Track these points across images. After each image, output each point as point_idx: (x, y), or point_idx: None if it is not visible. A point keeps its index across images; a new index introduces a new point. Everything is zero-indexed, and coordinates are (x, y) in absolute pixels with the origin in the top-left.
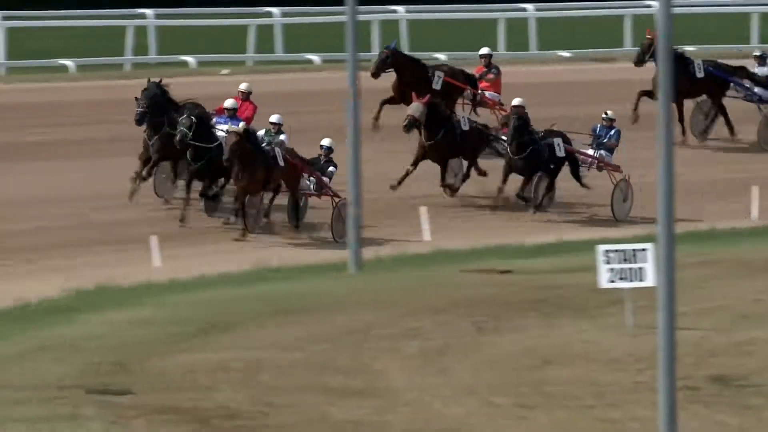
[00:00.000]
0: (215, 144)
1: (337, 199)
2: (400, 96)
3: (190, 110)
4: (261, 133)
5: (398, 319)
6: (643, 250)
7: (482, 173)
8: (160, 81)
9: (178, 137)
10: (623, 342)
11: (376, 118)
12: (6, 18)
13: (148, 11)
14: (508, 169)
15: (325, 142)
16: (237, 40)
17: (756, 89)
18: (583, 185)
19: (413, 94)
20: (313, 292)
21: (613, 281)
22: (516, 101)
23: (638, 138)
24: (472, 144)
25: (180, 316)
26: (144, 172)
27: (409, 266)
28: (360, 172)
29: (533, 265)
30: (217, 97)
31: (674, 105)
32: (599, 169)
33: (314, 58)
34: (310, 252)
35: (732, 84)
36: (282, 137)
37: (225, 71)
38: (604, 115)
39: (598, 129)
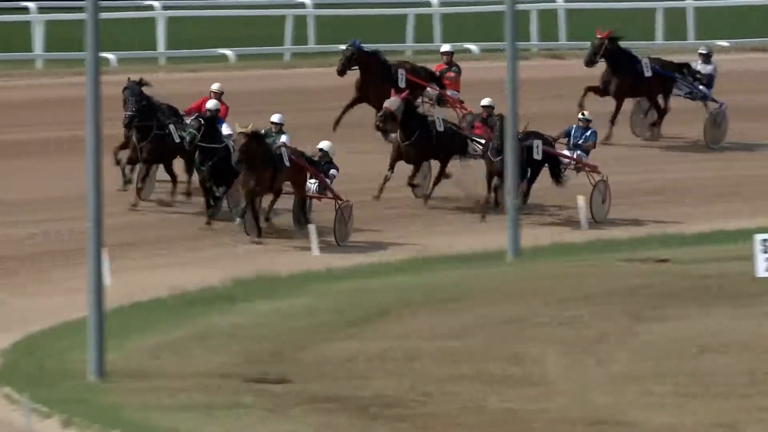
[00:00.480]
0: (222, 145)
1: (340, 202)
2: (366, 95)
3: (164, 112)
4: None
5: (555, 308)
6: None
7: (446, 175)
8: (140, 80)
9: (187, 138)
10: None
11: (337, 122)
12: (166, 8)
13: (306, 0)
14: (491, 173)
15: (323, 145)
16: (395, 29)
17: (701, 87)
18: (559, 183)
19: (392, 90)
20: (471, 280)
21: None
22: (485, 101)
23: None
24: (447, 145)
25: (337, 305)
26: (136, 180)
27: (566, 255)
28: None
29: (690, 254)
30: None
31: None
32: (577, 170)
33: (473, 47)
34: (467, 240)
35: (677, 82)
36: (284, 137)
37: None
38: (580, 116)
39: (573, 130)
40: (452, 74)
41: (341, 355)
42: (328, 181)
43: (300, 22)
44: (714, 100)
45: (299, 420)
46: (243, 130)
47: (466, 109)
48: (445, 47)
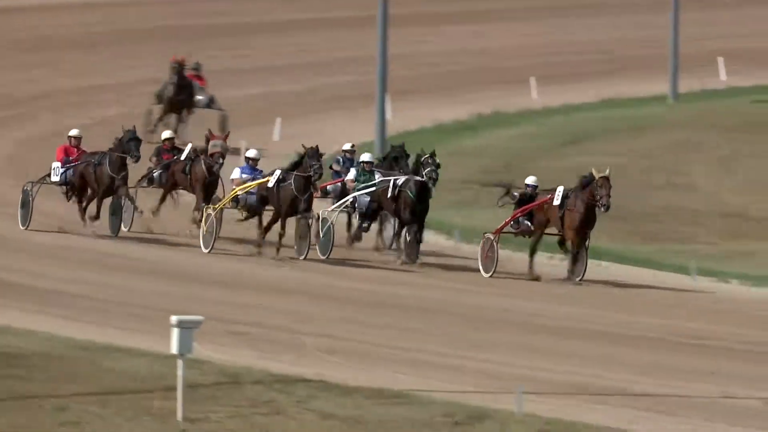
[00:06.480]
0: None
1: None
2: None
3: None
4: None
5: None
6: None
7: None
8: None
9: (436, 175)
10: None
11: None
12: None
13: None
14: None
15: (530, 180)
16: None
17: None
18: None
19: (209, 131)
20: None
21: None
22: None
23: None
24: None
25: (552, 132)
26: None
27: None
28: None
29: None
30: None
31: None
32: None
33: None
34: None
35: None
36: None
37: None
38: (346, 147)
39: (341, 161)
40: None
41: (554, 169)
42: None
43: None
44: None
45: None
46: (604, 174)
47: None
48: None
